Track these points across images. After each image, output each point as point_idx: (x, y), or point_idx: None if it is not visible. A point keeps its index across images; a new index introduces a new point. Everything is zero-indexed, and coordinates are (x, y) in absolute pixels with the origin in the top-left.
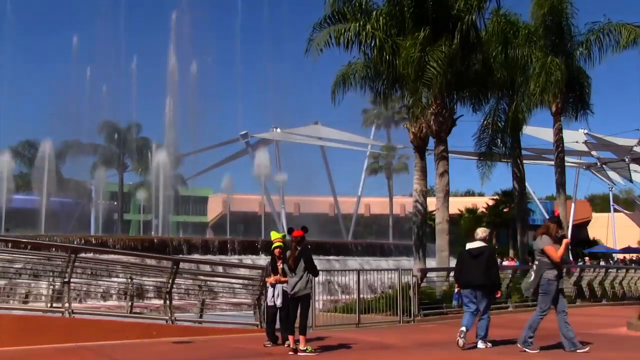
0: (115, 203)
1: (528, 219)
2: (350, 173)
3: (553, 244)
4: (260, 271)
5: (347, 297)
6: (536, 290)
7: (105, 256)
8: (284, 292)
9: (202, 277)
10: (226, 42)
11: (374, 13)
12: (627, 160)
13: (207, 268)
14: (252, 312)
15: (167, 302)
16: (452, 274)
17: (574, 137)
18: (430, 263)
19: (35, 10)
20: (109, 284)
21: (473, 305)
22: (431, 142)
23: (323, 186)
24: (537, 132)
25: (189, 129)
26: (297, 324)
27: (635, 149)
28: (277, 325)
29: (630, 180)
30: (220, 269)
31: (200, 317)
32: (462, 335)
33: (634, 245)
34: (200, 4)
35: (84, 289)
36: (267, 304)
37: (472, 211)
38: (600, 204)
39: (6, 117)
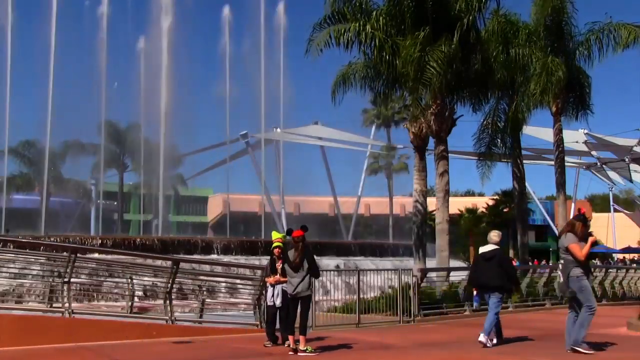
0: (115, 203)
1: (528, 219)
2: (350, 173)
3: (578, 242)
4: (260, 271)
5: (347, 297)
6: (573, 290)
7: (105, 256)
8: (284, 292)
9: (202, 277)
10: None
11: (374, 13)
12: (627, 160)
13: (207, 268)
14: (252, 312)
15: (167, 302)
16: (452, 274)
17: (574, 137)
18: (430, 263)
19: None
20: (109, 284)
21: None
22: (431, 142)
23: (323, 186)
24: (537, 132)
25: (188, 129)
26: (297, 324)
27: (635, 149)
28: (277, 325)
29: (630, 180)
30: (220, 269)
31: (200, 317)
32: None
33: (634, 245)
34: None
35: (84, 289)
36: (266, 304)
37: (472, 211)
38: (600, 204)
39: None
